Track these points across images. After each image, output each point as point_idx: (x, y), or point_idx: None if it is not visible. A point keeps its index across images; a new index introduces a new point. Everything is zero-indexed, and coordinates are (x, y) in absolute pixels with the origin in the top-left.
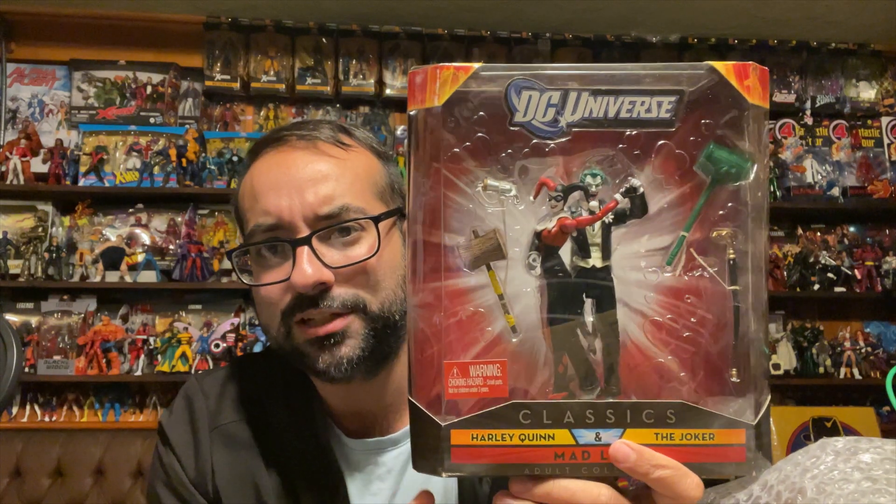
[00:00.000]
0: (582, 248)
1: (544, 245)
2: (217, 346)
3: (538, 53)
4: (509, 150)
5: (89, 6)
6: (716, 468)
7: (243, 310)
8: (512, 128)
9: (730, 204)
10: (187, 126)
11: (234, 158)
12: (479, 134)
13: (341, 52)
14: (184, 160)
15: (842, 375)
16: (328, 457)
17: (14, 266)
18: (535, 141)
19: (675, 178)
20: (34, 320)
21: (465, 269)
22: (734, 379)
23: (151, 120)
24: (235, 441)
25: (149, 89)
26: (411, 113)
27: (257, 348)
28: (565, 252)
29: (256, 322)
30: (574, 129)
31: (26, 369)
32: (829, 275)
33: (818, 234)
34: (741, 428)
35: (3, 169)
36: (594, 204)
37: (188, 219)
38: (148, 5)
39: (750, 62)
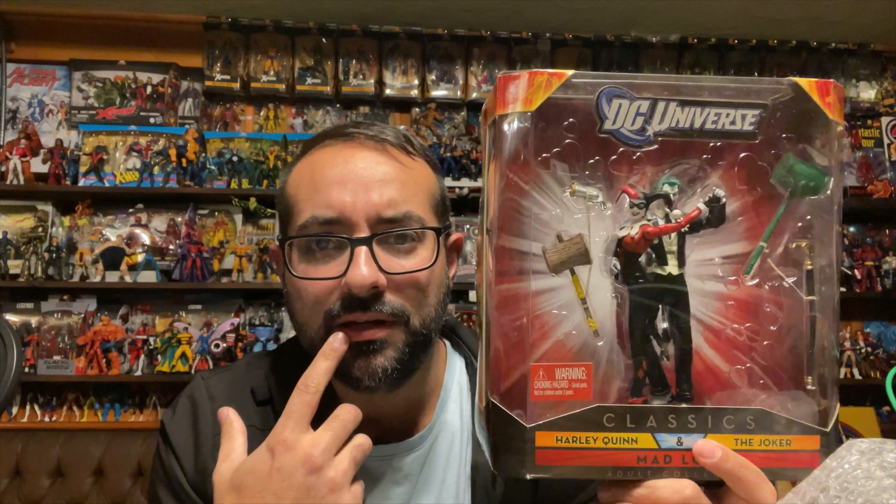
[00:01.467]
0: (659, 256)
1: (625, 252)
2: (217, 346)
3: (538, 53)
4: (597, 157)
5: (89, 6)
6: (790, 473)
7: (243, 310)
8: (601, 135)
9: (808, 217)
10: (187, 126)
11: (234, 158)
12: (569, 140)
13: (341, 52)
14: (184, 160)
15: (842, 375)
16: None
17: (14, 266)
18: (622, 148)
19: (754, 189)
20: (34, 320)
21: (549, 272)
22: (810, 386)
23: (151, 120)
24: None
25: (149, 89)
26: (500, 116)
27: (257, 348)
28: (644, 259)
29: (256, 322)
30: (661, 139)
31: (26, 369)
32: None
33: None
34: (816, 434)
35: (3, 169)
36: (677, 212)
37: (188, 219)
38: (148, 5)
39: (832, 80)
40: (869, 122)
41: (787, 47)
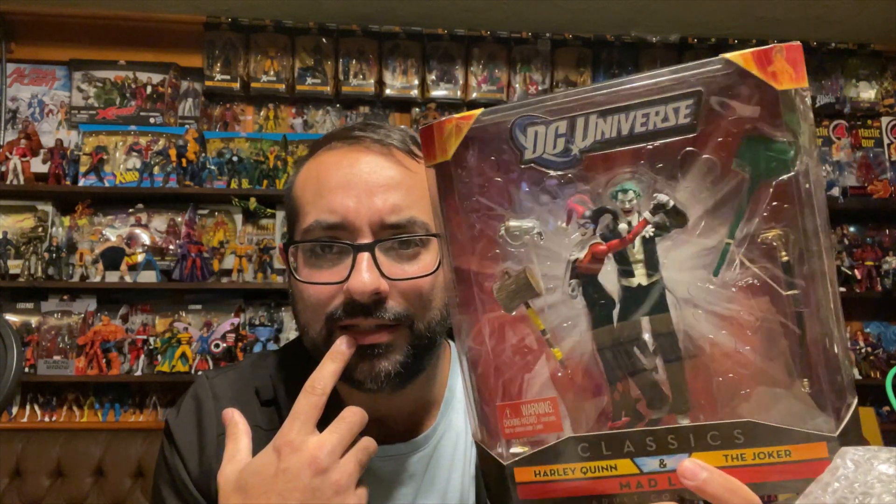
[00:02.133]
0: (625, 269)
1: (581, 274)
2: (217, 346)
3: (538, 53)
4: (525, 189)
5: (89, 6)
6: (797, 485)
7: (243, 310)
8: (523, 166)
9: (775, 202)
10: (187, 126)
11: (234, 158)
12: (494, 178)
13: (341, 52)
14: (184, 160)
15: None
16: None
17: (14, 266)
18: (550, 173)
19: (709, 183)
20: (34, 320)
21: (503, 311)
22: (805, 389)
23: (151, 120)
24: None
25: (149, 89)
26: (427, 167)
27: (257, 348)
28: (611, 274)
29: (256, 322)
30: (589, 155)
31: (26, 369)
32: None
33: None
34: (821, 441)
35: (3, 169)
36: (623, 226)
37: (188, 219)
38: (148, 5)
39: (774, 45)
40: (869, 122)
41: None
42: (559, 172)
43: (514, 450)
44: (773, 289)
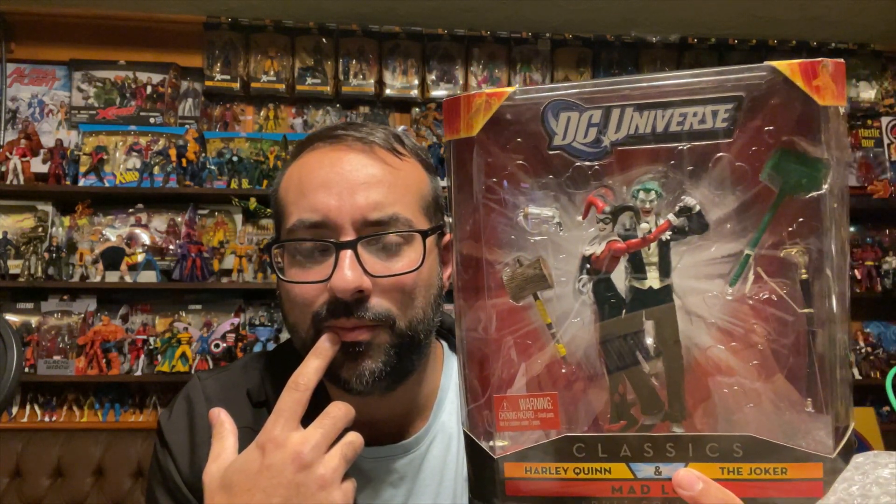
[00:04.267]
0: (637, 269)
1: (594, 270)
2: (217, 346)
3: (538, 53)
4: (550, 176)
5: (89, 6)
6: None
7: (243, 310)
8: (551, 152)
9: (801, 218)
10: (187, 126)
11: (234, 158)
12: (518, 161)
13: (341, 52)
14: (184, 160)
15: None
16: None
17: (14, 266)
18: (577, 164)
19: (737, 191)
20: (34, 320)
21: (510, 300)
22: (809, 409)
23: (151, 120)
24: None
25: (149, 89)
26: (447, 142)
27: (257, 348)
28: (620, 273)
29: (256, 322)
30: (619, 148)
31: (26, 369)
32: None
33: None
34: (818, 462)
35: (3, 169)
36: (644, 226)
37: (188, 219)
38: (148, 5)
39: (820, 59)
40: (869, 122)
41: (787, 47)
42: (586, 163)
43: (502, 443)
44: (787, 305)
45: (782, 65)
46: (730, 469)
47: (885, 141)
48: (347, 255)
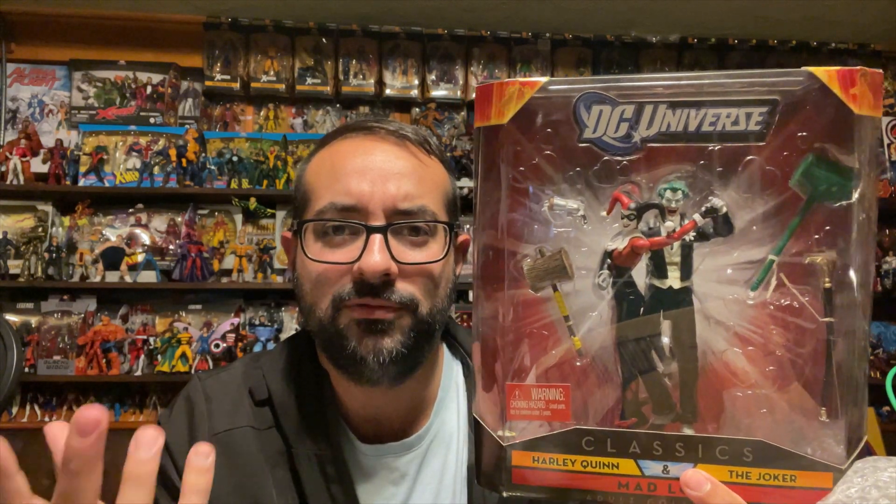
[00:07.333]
0: (658, 268)
1: (616, 265)
2: (217, 346)
3: (538, 53)
4: (577, 168)
5: (89, 6)
6: None
7: (243, 310)
8: (581, 144)
9: (828, 227)
10: (187, 126)
11: (234, 158)
12: (547, 151)
13: (341, 52)
14: (184, 160)
15: None
16: (339, 463)
17: (14, 266)
18: (605, 158)
19: (765, 195)
20: (34, 320)
21: (529, 290)
22: (823, 418)
23: (151, 120)
24: (235, 449)
25: (149, 89)
26: (477, 128)
27: (257, 348)
28: (640, 271)
29: (256, 322)
30: (649, 145)
31: (26, 369)
32: None
33: None
34: (828, 472)
35: (3, 169)
36: (669, 224)
37: (188, 219)
38: (148, 5)
39: (859, 67)
40: None
41: (787, 47)
42: (615, 157)
43: (511, 433)
44: (808, 313)
45: (820, 71)
46: (739, 473)
47: (886, 141)
48: (377, 239)
